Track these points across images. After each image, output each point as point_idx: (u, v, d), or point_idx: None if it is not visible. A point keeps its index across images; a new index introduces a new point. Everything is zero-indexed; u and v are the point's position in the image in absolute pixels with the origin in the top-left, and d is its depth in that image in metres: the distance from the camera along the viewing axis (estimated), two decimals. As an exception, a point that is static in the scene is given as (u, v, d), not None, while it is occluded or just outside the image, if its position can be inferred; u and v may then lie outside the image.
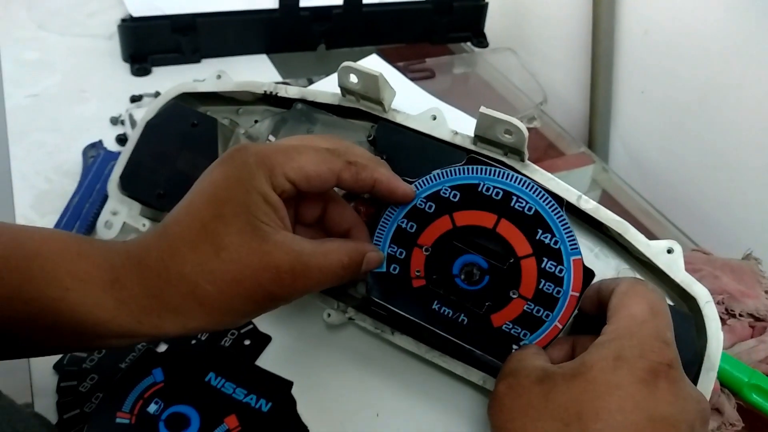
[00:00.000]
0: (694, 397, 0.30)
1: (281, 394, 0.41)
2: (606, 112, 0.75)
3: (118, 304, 0.32)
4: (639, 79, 0.73)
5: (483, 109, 0.40)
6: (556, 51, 0.84)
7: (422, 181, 0.40)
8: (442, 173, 0.40)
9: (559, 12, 0.81)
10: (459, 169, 0.40)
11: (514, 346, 0.38)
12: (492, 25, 0.85)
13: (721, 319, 0.47)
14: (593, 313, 0.37)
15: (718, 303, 0.47)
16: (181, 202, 0.35)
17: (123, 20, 0.71)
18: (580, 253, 0.38)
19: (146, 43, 0.71)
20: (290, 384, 0.42)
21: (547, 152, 0.68)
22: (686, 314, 0.38)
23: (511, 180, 0.39)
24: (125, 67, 0.72)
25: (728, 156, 0.64)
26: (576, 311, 0.38)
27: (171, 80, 0.68)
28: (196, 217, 0.33)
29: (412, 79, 0.70)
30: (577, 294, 0.37)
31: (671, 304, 0.39)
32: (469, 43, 0.84)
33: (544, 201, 0.39)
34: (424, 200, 0.40)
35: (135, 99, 0.66)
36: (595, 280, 0.38)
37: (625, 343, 0.30)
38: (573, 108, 0.81)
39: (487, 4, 0.83)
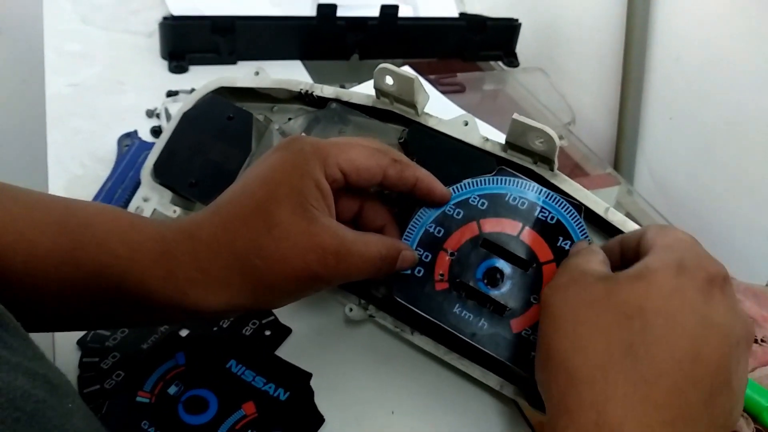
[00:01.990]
0: (742, 316, 0.31)
1: (300, 384, 0.41)
2: (633, 135, 0.76)
3: (167, 274, 0.33)
4: (668, 104, 0.73)
5: (516, 116, 0.40)
6: (586, 73, 0.84)
7: (453, 189, 0.42)
8: (472, 182, 0.42)
9: (591, 35, 0.82)
10: (489, 179, 0.42)
11: (533, 353, 0.38)
12: (524, 45, 0.86)
13: (741, 342, 0.47)
14: (615, 265, 0.37)
15: (739, 326, 0.47)
16: (234, 185, 0.36)
17: (164, 18, 0.73)
18: None
19: (185, 42, 0.72)
20: (309, 375, 0.42)
21: (573, 172, 0.69)
22: None
23: (536, 192, 0.41)
24: (163, 64, 0.73)
25: (754, 183, 0.64)
26: None
27: (207, 79, 0.70)
28: (251, 196, 0.34)
29: (443, 92, 0.71)
30: None
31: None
32: (499, 62, 0.85)
33: (565, 211, 0.40)
34: (453, 207, 0.42)
35: (171, 94, 0.67)
36: None
37: (685, 254, 0.32)
38: (600, 130, 0.82)
39: (520, 24, 0.84)
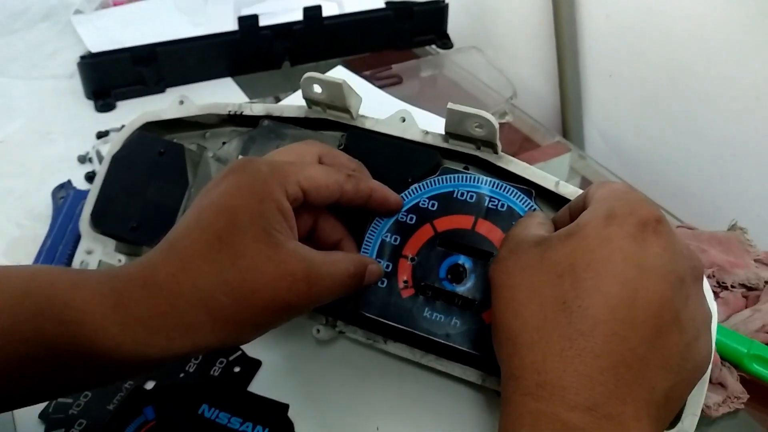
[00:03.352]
0: (684, 253, 0.31)
1: (277, 418, 0.40)
2: (577, 99, 0.75)
3: (122, 329, 0.31)
4: (606, 63, 0.73)
5: (451, 105, 0.39)
6: (521, 44, 0.84)
7: (402, 196, 0.41)
8: (419, 186, 0.41)
9: (520, 4, 0.81)
10: (434, 180, 0.41)
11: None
12: (455, 26, 0.85)
13: (713, 292, 0.47)
14: None
15: (709, 276, 0.47)
16: (185, 218, 0.34)
17: (82, 57, 0.70)
18: None
19: (108, 78, 0.70)
20: (286, 407, 0.41)
21: (522, 145, 0.68)
22: None
23: (481, 183, 0.40)
24: (89, 104, 0.71)
25: (702, 129, 0.64)
26: None
27: (136, 113, 0.67)
28: (208, 228, 0.32)
29: (380, 87, 0.70)
30: None
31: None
32: (434, 46, 0.84)
33: (513, 195, 0.40)
34: (405, 213, 0.41)
35: (101, 135, 0.64)
36: None
37: (615, 203, 0.31)
38: (544, 99, 0.81)
39: (447, 5, 0.83)
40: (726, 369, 0.43)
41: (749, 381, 0.43)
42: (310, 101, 0.45)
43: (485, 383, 0.40)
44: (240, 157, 0.46)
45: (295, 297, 0.32)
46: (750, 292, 0.47)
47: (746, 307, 0.46)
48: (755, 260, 0.48)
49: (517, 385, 0.29)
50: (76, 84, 0.72)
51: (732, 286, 0.47)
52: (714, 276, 0.47)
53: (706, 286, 0.37)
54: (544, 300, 0.30)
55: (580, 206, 0.34)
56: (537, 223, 0.36)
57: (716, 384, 0.42)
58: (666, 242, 0.30)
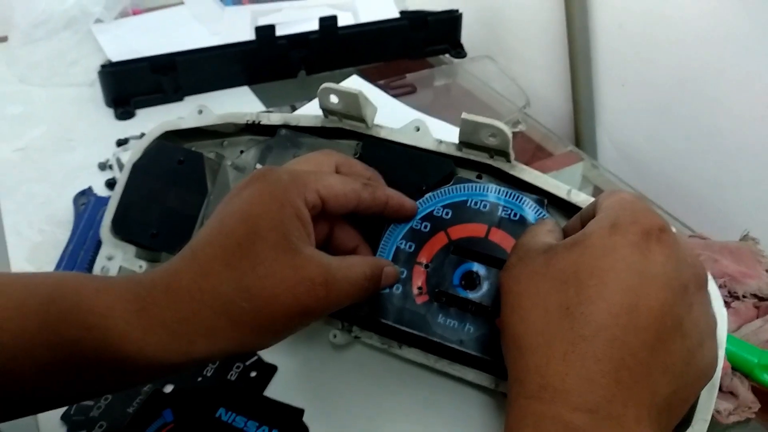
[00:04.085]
0: (687, 261, 0.31)
1: (293, 422, 0.41)
2: (589, 108, 0.76)
3: (145, 333, 0.31)
4: (618, 72, 0.73)
5: (465, 115, 0.40)
6: (534, 53, 0.84)
7: (416, 204, 0.42)
8: (434, 195, 0.42)
9: (533, 14, 0.82)
10: (448, 189, 0.42)
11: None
12: (469, 35, 0.86)
13: (725, 302, 0.47)
14: None
15: (720, 286, 0.47)
16: (208, 224, 0.35)
17: (103, 66, 0.72)
18: None
19: (127, 87, 0.71)
20: (301, 411, 0.41)
21: (535, 154, 0.69)
22: None
23: (494, 192, 0.41)
24: (109, 112, 0.72)
25: (715, 138, 0.65)
26: None
27: (155, 121, 0.68)
28: (229, 236, 0.33)
29: (394, 96, 0.70)
30: None
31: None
32: (447, 55, 0.84)
33: (526, 205, 0.41)
34: (420, 221, 0.42)
35: (121, 143, 0.66)
36: None
37: (620, 213, 0.32)
38: (557, 108, 0.82)
39: (461, 14, 0.83)
40: (737, 378, 0.43)
41: (760, 391, 0.43)
42: (327, 111, 0.45)
43: (499, 388, 0.41)
44: (258, 165, 0.47)
45: (314, 301, 0.33)
46: (761, 302, 0.47)
47: (757, 318, 0.46)
48: (767, 271, 0.48)
49: (522, 388, 0.30)
50: (97, 92, 0.74)
51: (743, 297, 0.47)
52: (725, 286, 0.47)
53: (716, 294, 0.37)
54: (549, 305, 0.31)
55: (590, 214, 0.35)
56: (546, 230, 0.36)
57: (727, 393, 0.42)
58: (669, 251, 0.30)
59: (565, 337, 0.29)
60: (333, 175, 0.37)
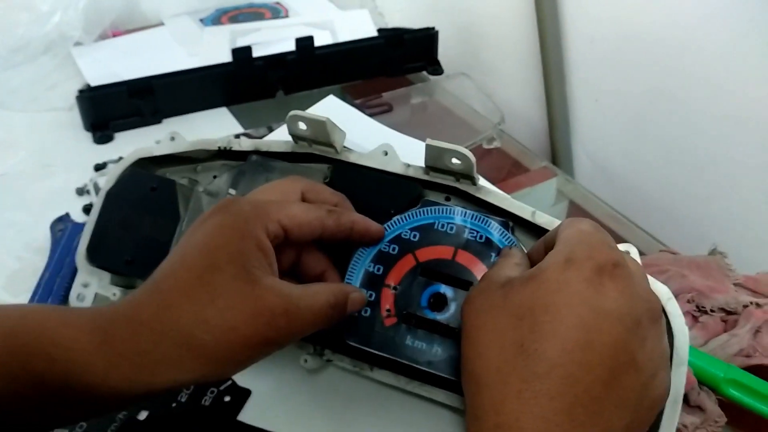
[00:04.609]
0: (641, 296, 0.32)
1: (266, 446, 0.41)
2: (564, 123, 0.77)
3: (108, 365, 0.32)
4: (592, 87, 0.75)
5: (429, 141, 0.41)
6: (509, 70, 0.85)
7: (384, 227, 0.42)
8: (402, 218, 0.43)
9: (507, 31, 0.83)
10: (416, 212, 0.43)
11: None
12: (446, 52, 0.86)
13: (693, 316, 0.48)
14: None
15: (688, 301, 0.48)
16: (170, 256, 0.35)
17: (81, 91, 0.72)
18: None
19: (106, 111, 0.72)
20: (274, 435, 0.42)
21: (511, 171, 0.69)
22: None
23: (460, 215, 0.42)
24: (88, 136, 0.72)
25: (686, 152, 0.66)
26: None
27: (134, 144, 0.69)
28: (190, 268, 0.34)
29: (371, 115, 0.71)
30: None
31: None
32: (425, 72, 0.85)
33: (491, 228, 0.41)
34: (388, 243, 0.42)
35: (99, 167, 0.66)
36: None
37: (575, 247, 0.32)
38: (533, 124, 0.83)
39: (437, 32, 0.84)
40: (704, 392, 0.44)
41: (727, 405, 0.44)
42: (296, 137, 0.46)
43: (468, 409, 0.41)
44: (230, 190, 0.48)
45: (274, 332, 0.33)
46: (729, 316, 0.47)
47: (725, 332, 0.47)
48: (735, 284, 0.49)
49: (479, 426, 0.30)
50: (75, 116, 0.74)
51: (711, 311, 0.47)
52: (693, 301, 0.48)
53: (677, 312, 0.38)
54: (505, 342, 0.31)
55: (551, 242, 0.35)
56: (513, 264, 0.37)
57: (694, 407, 0.43)
58: (623, 286, 0.31)
59: (519, 374, 0.30)
60: (297, 204, 0.38)
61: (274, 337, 0.33)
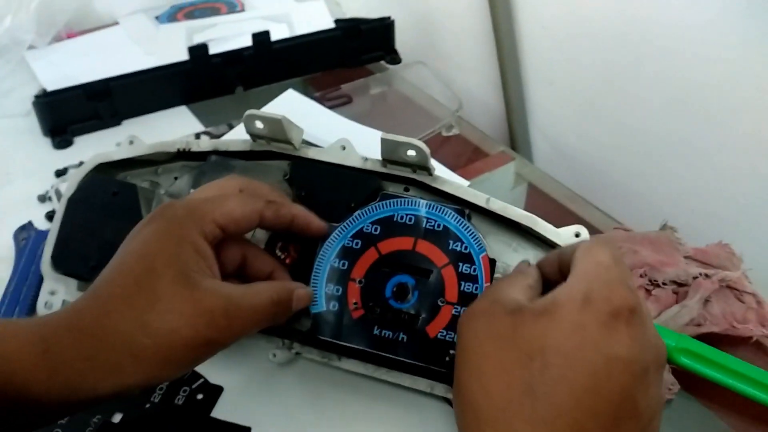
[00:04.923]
0: (651, 343, 0.31)
1: (240, 440, 0.42)
2: (521, 108, 0.78)
3: (51, 374, 0.32)
4: (546, 72, 0.76)
5: (384, 135, 0.42)
6: (465, 57, 0.86)
7: (346, 223, 0.44)
8: (362, 213, 0.44)
9: (461, 19, 0.84)
10: (375, 206, 0.44)
11: (451, 351, 0.40)
12: (403, 41, 0.87)
13: (646, 290, 0.50)
14: (552, 278, 0.37)
15: (641, 276, 0.50)
16: (110, 264, 0.36)
17: (37, 96, 0.71)
18: (485, 250, 0.41)
19: (64, 115, 0.71)
20: (248, 430, 0.43)
21: (471, 156, 0.71)
22: None
23: (418, 206, 0.43)
24: (47, 142, 0.72)
25: (637, 132, 0.68)
26: None
27: (94, 147, 0.69)
28: (128, 274, 0.34)
29: (331, 107, 0.72)
30: (489, 284, 0.41)
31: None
32: (383, 62, 0.86)
33: (448, 216, 0.42)
34: (351, 239, 0.44)
35: (60, 173, 0.66)
36: (511, 268, 0.42)
37: (593, 285, 0.32)
38: (491, 110, 0.84)
39: (393, 21, 0.85)
40: (658, 362, 0.46)
41: (680, 372, 0.46)
42: (254, 136, 0.47)
43: (434, 390, 0.43)
44: (192, 191, 0.48)
45: (215, 332, 0.34)
46: (680, 288, 0.50)
47: (677, 303, 0.49)
48: (685, 257, 0.51)
49: None
50: (33, 122, 0.73)
51: (663, 284, 0.50)
52: (646, 275, 0.50)
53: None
54: (513, 380, 0.30)
55: (567, 262, 0.35)
56: (525, 285, 0.36)
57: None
58: (636, 333, 0.31)
59: (525, 416, 0.29)
60: (233, 198, 0.38)
61: (215, 337, 0.34)
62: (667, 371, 0.46)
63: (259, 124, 0.45)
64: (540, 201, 0.66)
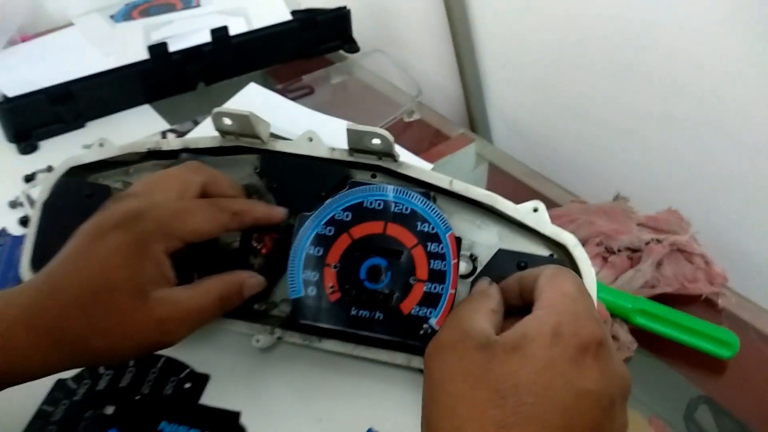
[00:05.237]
0: (618, 374, 0.32)
1: (230, 425, 0.44)
2: (478, 91, 0.81)
3: (5, 368, 0.35)
4: (499, 55, 0.79)
5: (349, 125, 0.44)
6: (422, 43, 0.89)
7: (319, 212, 0.45)
8: (333, 201, 0.45)
9: (416, 6, 0.86)
10: (345, 194, 0.46)
11: (425, 325, 0.43)
12: (361, 30, 0.89)
13: (602, 258, 0.53)
14: (513, 304, 0.39)
15: (597, 245, 0.53)
16: (70, 257, 0.38)
17: (-2, 102, 0.71)
18: (451, 229, 0.44)
19: (27, 121, 0.71)
20: (237, 414, 0.45)
21: (432, 140, 0.73)
22: (558, 260, 0.44)
23: (385, 191, 0.45)
24: (12, 147, 0.72)
25: (589, 108, 0.71)
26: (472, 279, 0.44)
27: (59, 150, 0.70)
28: (89, 283, 0.36)
29: (293, 99, 0.73)
30: (456, 261, 0.43)
31: (546, 254, 0.44)
32: (341, 51, 0.88)
33: (414, 199, 0.44)
34: (324, 226, 0.45)
35: (29, 178, 0.66)
36: (477, 244, 0.45)
37: (562, 318, 0.33)
38: (450, 94, 0.86)
39: (349, 11, 0.86)
40: (617, 323, 0.49)
41: (637, 332, 0.49)
42: (223, 132, 0.48)
43: (411, 363, 0.45)
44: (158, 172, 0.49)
45: (165, 335, 0.37)
46: (634, 254, 0.53)
47: (631, 268, 0.52)
48: (638, 224, 0.55)
49: None
50: (-3, 128, 0.73)
51: (618, 251, 0.53)
52: (602, 244, 0.53)
53: (584, 257, 0.42)
54: (486, 420, 0.30)
55: (530, 287, 0.36)
56: (489, 310, 0.37)
57: (611, 337, 0.49)
58: (604, 366, 0.32)
59: None
60: (200, 214, 0.41)
61: (164, 339, 0.38)
62: (625, 332, 0.49)
63: (227, 121, 0.47)
64: (500, 179, 0.69)
